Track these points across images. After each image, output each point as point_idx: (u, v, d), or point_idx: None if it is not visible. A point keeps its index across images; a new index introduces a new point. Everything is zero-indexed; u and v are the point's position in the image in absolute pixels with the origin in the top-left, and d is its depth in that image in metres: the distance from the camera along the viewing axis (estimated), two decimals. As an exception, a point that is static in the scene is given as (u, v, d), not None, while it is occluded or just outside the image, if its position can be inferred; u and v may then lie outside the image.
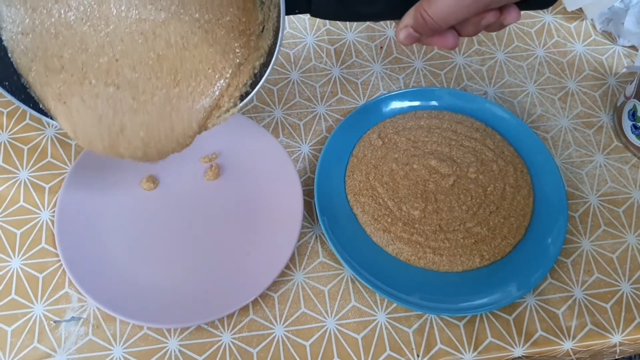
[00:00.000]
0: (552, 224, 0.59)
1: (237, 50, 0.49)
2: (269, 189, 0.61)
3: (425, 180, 0.61)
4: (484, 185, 0.61)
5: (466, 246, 0.58)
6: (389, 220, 0.59)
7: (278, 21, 0.46)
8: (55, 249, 0.58)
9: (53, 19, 0.46)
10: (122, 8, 0.47)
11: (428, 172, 0.62)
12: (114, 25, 0.47)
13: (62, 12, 0.46)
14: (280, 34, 0.45)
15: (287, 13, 0.46)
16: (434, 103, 0.67)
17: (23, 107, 0.47)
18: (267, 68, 0.47)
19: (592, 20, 0.75)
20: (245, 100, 0.49)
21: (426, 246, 0.58)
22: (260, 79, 0.48)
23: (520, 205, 0.61)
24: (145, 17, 0.47)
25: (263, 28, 0.50)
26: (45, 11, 0.46)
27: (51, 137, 0.64)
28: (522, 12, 0.74)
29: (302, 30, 0.73)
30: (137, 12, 0.47)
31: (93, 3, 0.47)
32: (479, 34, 0.73)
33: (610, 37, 0.74)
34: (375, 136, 0.64)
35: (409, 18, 0.46)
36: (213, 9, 0.49)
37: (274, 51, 0.47)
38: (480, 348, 0.56)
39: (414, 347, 0.56)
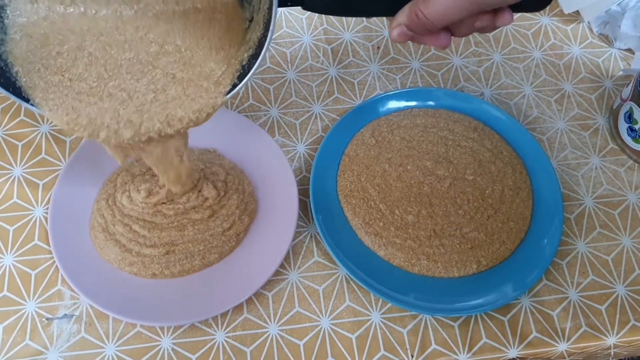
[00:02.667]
0: (548, 226, 0.59)
1: (214, 67, 0.49)
2: (265, 187, 0.61)
3: (420, 182, 0.61)
4: (481, 188, 0.61)
5: (462, 252, 0.58)
6: (381, 224, 0.59)
7: (269, 13, 0.45)
8: (49, 246, 0.57)
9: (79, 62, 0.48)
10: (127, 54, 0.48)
11: (423, 174, 0.61)
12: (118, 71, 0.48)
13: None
14: (271, 28, 0.44)
15: (280, 5, 0.45)
16: (430, 103, 0.67)
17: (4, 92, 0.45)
18: (256, 60, 0.46)
19: (588, 23, 0.75)
20: (231, 94, 0.47)
21: (420, 252, 0.57)
22: (249, 71, 0.47)
23: (519, 209, 0.60)
24: (142, 56, 0.49)
25: (251, 20, 0.49)
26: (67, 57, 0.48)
27: (45, 134, 0.64)
28: (519, 14, 0.75)
29: (298, 29, 0.73)
30: (135, 52, 0.48)
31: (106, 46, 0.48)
32: (476, 35, 0.73)
33: (607, 40, 0.74)
34: (369, 134, 0.64)
35: (403, 16, 0.46)
36: (195, 31, 0.49)
37: (264, 43, 0.45)
38: (474, 349, 0.56)
39: (408, 347, 0.56)
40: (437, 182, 0.61)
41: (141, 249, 0.57)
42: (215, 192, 0.59)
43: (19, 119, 0.64)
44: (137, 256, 0.56)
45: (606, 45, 0.74)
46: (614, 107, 0.67)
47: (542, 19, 0.75)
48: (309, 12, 0.74)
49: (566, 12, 0.74)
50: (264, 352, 0.55)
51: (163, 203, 0.58)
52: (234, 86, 0.48)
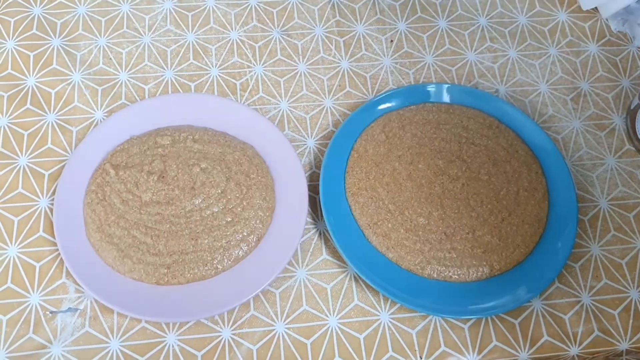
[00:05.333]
0: (562, 229, 0.58)
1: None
2: (275, 184, 0.60)
3: (431, 182, 0.59)
4: (496, 188, 0.59)
5: (475, 257, 0.56)
6: (390, 225, 0.57)
7: None
8: (54, 237, 0.57)
9: None
10: None
11: (434, 174, 0.60)
12: None
13: None
14: None
15: None
16: (445, 99, 0.65)
17: None
18: None
19: (607, 20, 0.73)
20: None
21: (430, 256, 0.56)
22: None
23: (534, 211, 0.58)
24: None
25: None
26: None
27: (52, 123, 0.63)
28: (536, 10, 0.74)
29: (310, 20, 0.71)
30: None
31: None
32: (492, 30, 0.71)
33: (626, 37, 0.73)
34: (379, 130, 0.62)
35: None
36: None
37: None
38: (484, 352, 0.55)
39: (417, 348, 0.55)
40: (449, 182, 0.59)
41: (143, 255, 0.54)
42: (239, 190, 0.57)
43: (25, 107, 0.63)
44: (138, 263, 0.54)
45: (625, 43, 0.72)
46: (632, 107, 0.66)
47: (559, 15, 0.74)
48: (321, 3, 0.72)
49: (584, 8, 0.72)
50: (271, 350, 0.54)
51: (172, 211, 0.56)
52: None
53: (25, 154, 0.61)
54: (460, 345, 0.55)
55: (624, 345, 0.56)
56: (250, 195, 0.57)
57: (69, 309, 0.54)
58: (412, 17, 0.72)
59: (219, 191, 0.57)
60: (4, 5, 0.69)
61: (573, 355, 0.56)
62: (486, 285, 0.56)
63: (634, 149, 0.65)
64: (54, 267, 0.56)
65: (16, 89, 0.64)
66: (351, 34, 0.71)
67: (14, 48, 0.66)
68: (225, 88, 0.66)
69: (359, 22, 0.72)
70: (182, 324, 0.54)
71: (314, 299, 0.56)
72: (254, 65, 0.68)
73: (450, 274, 0.56)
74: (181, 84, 0.66)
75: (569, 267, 0.59)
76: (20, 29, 0.68)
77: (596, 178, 0.64)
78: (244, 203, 0.57)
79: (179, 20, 0.70)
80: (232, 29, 0.70)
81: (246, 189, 0.57)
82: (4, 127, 0.62)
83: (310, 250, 0.58)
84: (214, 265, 0.55)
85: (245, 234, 0.56)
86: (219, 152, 0.59)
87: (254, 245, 0.56)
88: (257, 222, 0.56)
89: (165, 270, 0.54)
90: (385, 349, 0.54)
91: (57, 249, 0.56)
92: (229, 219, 0.56)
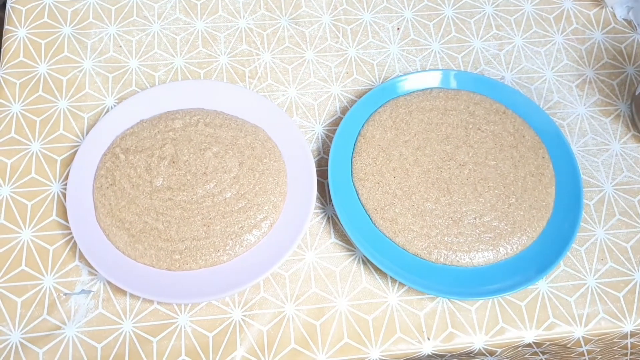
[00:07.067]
0: (569, 213, 0.58)
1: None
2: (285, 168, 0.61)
3: (439, 167, 0.60)
4: (503, 174, 0.60)
5: (482, 241, 0.57)
6: (397, 210, 0.58)
7: None
8: (66, 221, 0.57)
9: None
10: None
11: (441, 159, 0.60)
12: None
13: None
14: None
15: None
16: (451, 85, 0.66)
17: None
18: None
19: (612, 8, 0.74)
20: None
21: (437, 241, 0.57)
22: None
23: (541, 196, 0.59)
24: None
25: None
26: None
27: (64, 110, 0.63)
28: (542, -2, 0.74)
29: (318, 9, 0.72)
30: None
31: None
32: (497, 18, 0.72)
33: (630, 25, 0.73)
34: (386, 115, 0.63)
35: None
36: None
37: None
38: (491, 332, 0.56)
39: (424, 329, 0.55)
40: (456, 167, 0.60)
41: (154, 241, 0.55)
42: (252, 175, 0.57)
43: (37, 94, 0.64)
44: (149, 248, 0.54)
45: (629, 31, 0.73)
46: (636, 93, 0.66)
47: (564, 3, 0.74)
48: (328, -8, 0.73)
49: (589, -4, 0.73)
50: (281, 331, 0.55)
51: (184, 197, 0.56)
52: None
53: (38, 139, 0.62)
54: (467, 326, 0.56)
55: (628, 327, 0.57)
56: (264, 180, 0.57)
57: (82, 291, 0.55)
58: (418, 5, 0.73)
59: (232, 176, 0.57)
60: (15, -7, 0.70)
61: (578, 337, 0.56)
62: (493, 268, 0.56)
63: (638, 134, 0.66)
64: (67, 250, 0.57)
65: (28, 76, 0.65)
66: (358, 22, 0.71)
67: (26, 36, 0.67)
68: (234, 75, 0.67)
69: (365, 10, 0.72)
70: (193, 305, 0.55)
71: (323, 282, 0.57)
72: (262, 52, 0.69)
73: (457, 258, 0.56)
74: (191, 71, 0.67)
75: (574, 251, 0.60)
76: (31, 18, 0.68)
77: (601, 163, 0.64)
78: (257, 188, 0.57)
79: (188, 9, 0.71)
80: (240, 17, 0.71)
81: (259, 174, 0.57)
82: (17, 114, 0.63)
83: (319, 234, 0.59)
84: (226, 251, 0.55)
85: (258, 219, 0.56)
86: (231, 136, 0.59)
87: (266, 231, 0.56)
88: (270, 207, 0.56)
89: (178, 257, 0.54)
90: (394, 331, 0.55)
91: (70, 233, 0.57)
92: (242, 205, 0.56)
